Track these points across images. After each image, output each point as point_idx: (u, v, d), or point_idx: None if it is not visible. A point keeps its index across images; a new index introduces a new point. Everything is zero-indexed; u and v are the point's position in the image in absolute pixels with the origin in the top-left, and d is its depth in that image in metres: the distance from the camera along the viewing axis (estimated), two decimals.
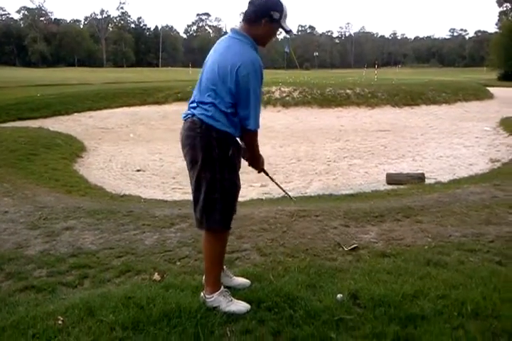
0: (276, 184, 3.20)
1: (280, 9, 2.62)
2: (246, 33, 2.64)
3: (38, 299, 3.04)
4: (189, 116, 2.69)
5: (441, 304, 2.76)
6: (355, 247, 2.87)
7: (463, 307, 2.70)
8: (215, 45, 2.77)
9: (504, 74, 41.97)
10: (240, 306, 2.74)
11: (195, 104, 2.69)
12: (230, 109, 2.59)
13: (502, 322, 2.55)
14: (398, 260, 3.57)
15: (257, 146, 2.83)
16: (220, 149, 2.61)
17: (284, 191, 3.28)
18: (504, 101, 24.41)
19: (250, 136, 2.73)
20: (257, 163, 2.94)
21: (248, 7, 2.68)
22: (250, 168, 3.01)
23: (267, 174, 3.12)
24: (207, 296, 2.76)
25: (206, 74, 2.66)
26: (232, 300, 2.76)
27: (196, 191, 2.71)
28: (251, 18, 2.64)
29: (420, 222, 4.70)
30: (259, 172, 3.04)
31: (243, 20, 2.69)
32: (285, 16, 2.66)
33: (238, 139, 2.74)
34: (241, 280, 3.10)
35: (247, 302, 2.78)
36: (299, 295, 2.88)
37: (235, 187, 2.75)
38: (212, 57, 2.70)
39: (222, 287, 2.81)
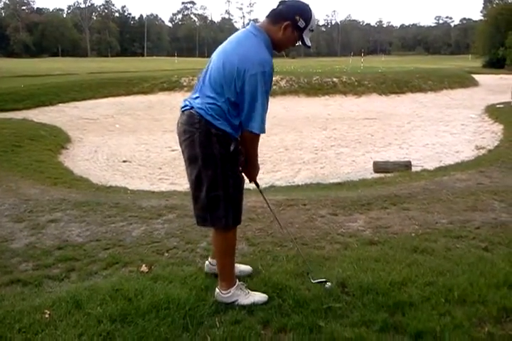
0: (266, 201, 3.06)
1: (307, 18, 2.49)
2: (265, 31, 2.50)
3: (24, 293, 3.00)
4: (187, 108, 2.56)
5: (428, 291, 2.78)
6: (322, 281, 2.82)
7: (450, 294, 2.73)
8: (230, 37, 2.63)
9: (489, 61, 42.23)
10: (258, 297, 2.71)
11: (197, 97, 2.56)
12: (232, 109, 2.48)
13: (488, 308, 2.57)
14: (386, 248, 3.60)
15: (256, 151, 2.67)
16: (220, 145, 2.50)
17: (269, 207, 3.15)
18: (489, 88, 24.61)
19: (252, 140, 2.56)
20: (253, 169, 2.76)
21: (277, 5, 2.56)
22: None
23: (258, 186, 2.98)
24: (223, 292, 2.70)
25: (212, 70, 2.53)
26: (249, 292, 2.73)
27: (197, 188, 2.60)
28: (275, 16, 2.51)
29: (407, 210, 4.73)
30: (250, 181, 2.86)
31: (267, 16, 2.56)
32: (310, 30, 2.53)
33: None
34: (243, 268, 3.07)
35: None
36: (287, 284, 2.88)
37: (239, 181, 2.66)
38: (222, 49, 2.57)
39: (237, 281, 2.77)
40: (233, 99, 2.46)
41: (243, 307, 2.65)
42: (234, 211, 2.65)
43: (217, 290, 2.74)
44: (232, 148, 2.53)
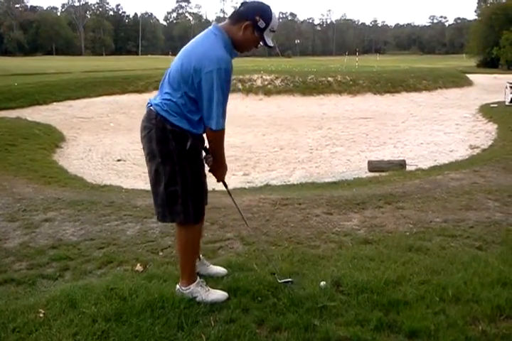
0: (233, 201, 2.97)
1: (267, 18, 2.53)
2: (225, 31, 2.56)
3: (18, 292, 2.99)
4: (149, 105, 2.63)
5: (423, 289, 2.79)
6: (288, 281, 2.82)
7: (444, 292, 2.74)
8: (195, 37, 2.69)
9: (483, 61, 42.38)
10: (218, 295, 2.74)
11: (158, 95, 2.63)
12: (190, 105, 2.52)
13: (482, 306, 2.58)
14: (380, 246, 3.60)
15: (221, 150, 2.66)
16: (176, 141, 2.52)
17: (239, 211, 3.11)
18: (483, 88, 24.70)
19: (213, 137, 2.56)
20: (219, 168, 2.74)
21: (239, 6, 2.64)
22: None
23: (226, 186, 2.93)
24: (183, 288, 2.74)
25: (172, 69, 2.59)
26: (209, 289, 2.75)
27: (156, 184, 2.63)
28: (235, 16, 2.58)
29: (402, 209, 4.74)
30: (218, 181, 2.84)
31: (229, 17, 2.63)
32: (271, 30, 2.57)
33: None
34: (218, 269, 3.10)
35: (231, 291, 2.78)
36: (282, 283, 2.88)
37: (199, 177, 2.67)
38: (183, 50, 2.63)
39: (198, 278, 2.80)
40: (191, 94, 2.50)
41: (205, 304, 2.65)
42: (194, 207, 2.65)
43: (177, 285, 2.77)
44: (188, 144, 2.54)
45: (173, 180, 2.57)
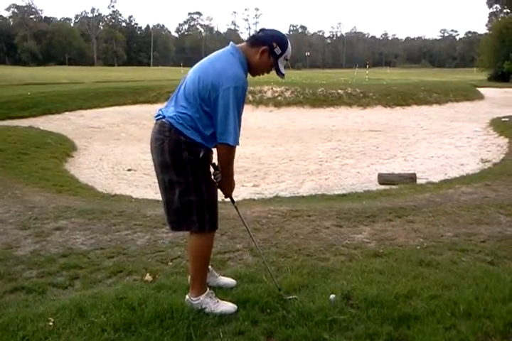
0: (240, 216, 3.01)
1: (283, 47, 2.65)
2: (243, 52, 2.64)
3: (28, 300, 3.00)
4: (160, 117, 2.66)
5: (433, 304, 2.76)
6: (292, 298, 2.82)
7: (455, 307, 2.71)
8: (209, 55, 2.76)
9: (494, 74, 42.23)
10: (227, 307, 2.73)
11: (170, 107, 2.67)
12: (204, 119, 2.56)
13: (494, 322, 2.55)
14: (391, 260, 3.58)
15: (231, 165, 2.69)
16: (189, 151, 2.57)
17: (245, 225, 3.09)
18: (494, 101, 24.58)
19: (227, 152, 2.60)
20: (228, 184, 2.77)
21: (257, 32, 2.76)
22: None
23: (233, 202, 2.95)
24: (193, 299, 2.74)
25: (188, 82, 2.64)
26: (218, 301, 2.75)
27: (169, 195, 2.66)
28: (254, 40, 2.68)
29: (412, 222, 4.71)
30: (225, 197, 2.87)
31: (247, 40, 2.73)
32: (285, 59, 2.68)
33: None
34: (227, 280, 3.10)
35: (240, 302, 2.77)
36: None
37: (212, 186, 2.72)
38: (199, 65, 2.69)
39: (208, 289, 2.80)
40: (206, 108, 2.54)
41: (214, 315, 2.65)
42: (209, 215, 2.70)
43: (187, 296, 2.78)
44: (201, 154, 2.59)
45: (187, 190, 2.61)
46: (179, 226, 2.74)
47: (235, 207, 2.99)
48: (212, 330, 2.52)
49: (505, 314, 2.61)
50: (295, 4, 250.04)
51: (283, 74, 2.72)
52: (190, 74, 2.67)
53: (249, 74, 2.72)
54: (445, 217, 4.90)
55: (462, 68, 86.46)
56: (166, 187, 2.67)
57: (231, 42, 2.74)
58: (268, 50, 2.63)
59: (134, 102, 20.91)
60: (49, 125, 15.32)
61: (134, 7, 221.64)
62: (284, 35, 2.71)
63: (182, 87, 2.67)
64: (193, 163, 2.59)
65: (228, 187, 2.80)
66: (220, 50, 2.71)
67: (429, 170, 10.41)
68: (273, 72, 2.77)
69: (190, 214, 2.64)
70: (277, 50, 2.63)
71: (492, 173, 8.44)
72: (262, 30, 2.76)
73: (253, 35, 2.75)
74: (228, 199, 2.93)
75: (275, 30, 2.72)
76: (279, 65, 2.69)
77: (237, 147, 2.64)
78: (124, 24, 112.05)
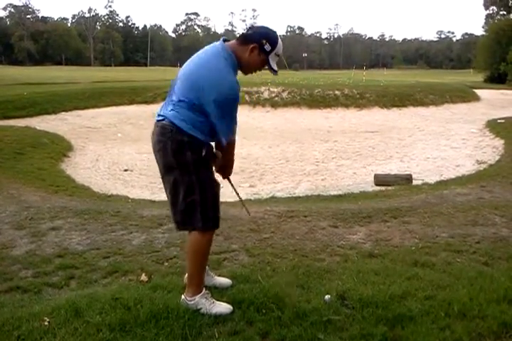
0: (237, 194, 3.12)
1: (273, 42, 2.64)
2: (232, 52, 2.64)
3: (23, 300, 3.00)
4: (161, 118, 2.69)
5: (428, 304, 2.77)
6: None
7: (450, 308, 2.72)
8: (201, 50, 2.76)
9: (490, 76, 42.34)
10: (223, 308, 2.74)
11: (170, 106, 2.68)
12: (201, 117, 2.59)
13: (488, 323, 2.56)
14: (386, 260, 3.59)
15: (233, 154, 2.89)
16: (192, 151, 2.61)
17: (243, 204, 3.21)
18: (490, 103, 24.64)
19: (227, 147, 2.76)
20: (230, 168, 2.96)
21: (247, 30, 2.78)
22: (239, 169, 3.00)
23: (231, 182, 3.07)
24: (188, 299, 2.74)
25: (182, 81, 2.65)
26: (214, 302, 2.75)
27: (175, 195, 2.70)
28: (243, 38, 2.67)
29: (408, 223, 4.73)
30: (224, 178, 3.01)
31: (236, 39, 2.72)
32: (276, 55, 2.68)
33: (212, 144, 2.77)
34: (223, 280, 3.11)
35: (236, 303, 2.78)
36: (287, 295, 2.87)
37: (215, 185, 2.76)
38: (191, 63, 2.70)
39: (204, 289, 2.80)
40: (201, 105, 2.57)
41: (209, 315, 2.66)
42: (213, 213, 2.74)
43: (183, 296, 2.78)
44: (203, 153, 2.64)
45: (191, 189, 2.65)
46: (185, 225, 2.77)
47: (231, 185, 3.08)
48: (208, 330, 2.53)
49: (499, 314, 2.63)
50: (292, 5, 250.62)
51: (276, 71, 2.72)
52: (184, 70, 2.68)
53: (242, 74, 2.74)
54: (440, 217, 4.92)
55: (459, 69, 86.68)
56: (171, 188, 2.70)
57: (222, 39, 2.73)
58: (258, 48, 2.62)
59: (131, 102, 20.84)
60: (45, 125, 15.28)
61: (131, 7, 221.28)
62: (273, 31, 2.71)
63: (176, 84, 2.69)
64: (196, 162, 2.63)
65: (229, 169, 2.96)
66: (213, 50, 2.69)
67: (425, 171, 10.44)
68: (267, 72, 2.79)
69: (195, 212, 2.67)
70: (267, 47, 2.63)
71: (487, 175, 8.48)
72: (251, 27, 2.78)
73: (242, 33, 2.75)
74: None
75: (264, 27, 2.73)
76: (271, 61, 2.68)
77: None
78: (121, 24, 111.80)
